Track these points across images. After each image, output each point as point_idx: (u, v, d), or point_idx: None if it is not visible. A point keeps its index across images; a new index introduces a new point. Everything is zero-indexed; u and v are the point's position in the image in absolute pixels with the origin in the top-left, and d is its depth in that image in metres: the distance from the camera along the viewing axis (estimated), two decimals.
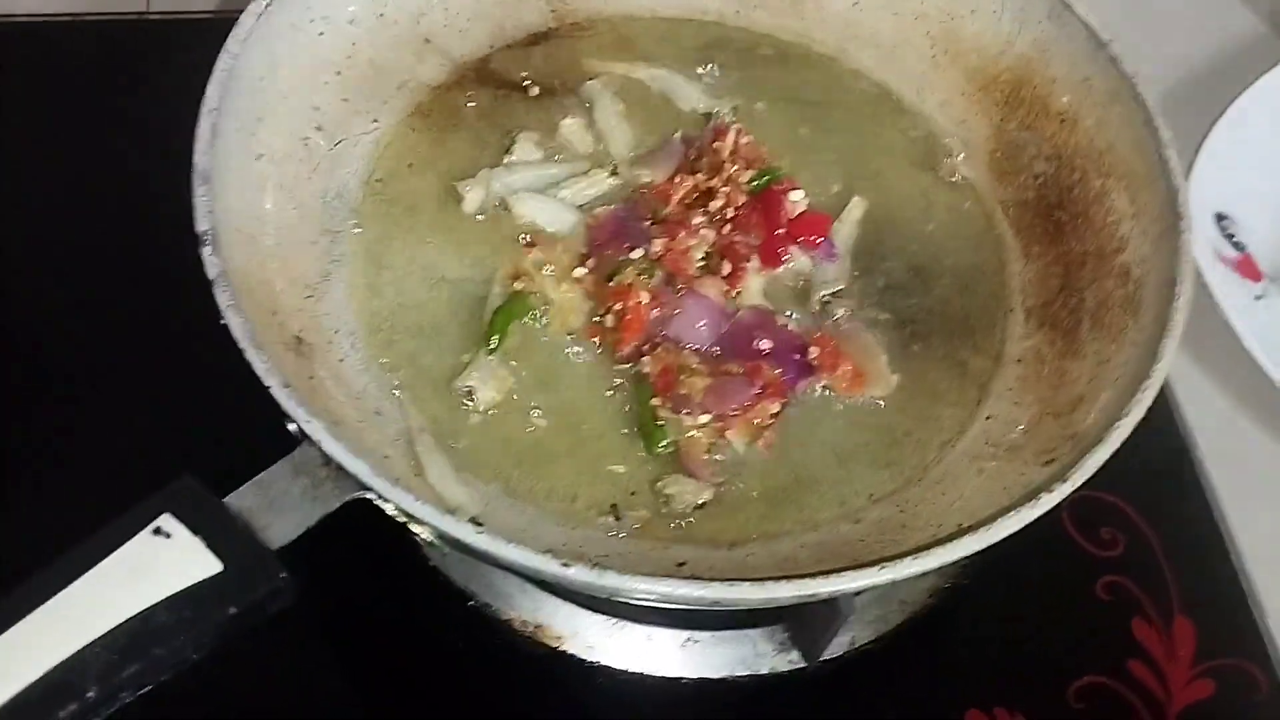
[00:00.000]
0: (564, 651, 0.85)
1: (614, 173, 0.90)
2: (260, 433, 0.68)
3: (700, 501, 0.76)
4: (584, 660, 0.85)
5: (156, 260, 0.80)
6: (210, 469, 0.65)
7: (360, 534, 0.69)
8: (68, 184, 1.00)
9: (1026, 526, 0.67)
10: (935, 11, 0.97)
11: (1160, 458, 0.98)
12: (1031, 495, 0.68)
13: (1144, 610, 0.91)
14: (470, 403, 0.79)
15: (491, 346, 0.80)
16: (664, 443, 0.78)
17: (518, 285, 0.83)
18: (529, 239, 0.86)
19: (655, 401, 0.79)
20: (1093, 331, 0.82)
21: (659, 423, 0.79)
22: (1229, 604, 0.92)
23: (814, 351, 0.82)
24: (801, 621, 0.86)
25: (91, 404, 0.86)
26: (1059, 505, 0.68)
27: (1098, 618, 0.91)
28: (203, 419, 0.84)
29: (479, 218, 0.87)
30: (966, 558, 0.66)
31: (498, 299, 0.83)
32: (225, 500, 0.63)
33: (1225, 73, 1.18)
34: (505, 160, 0.90)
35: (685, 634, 0.86)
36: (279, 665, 0.82)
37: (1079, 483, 0.69)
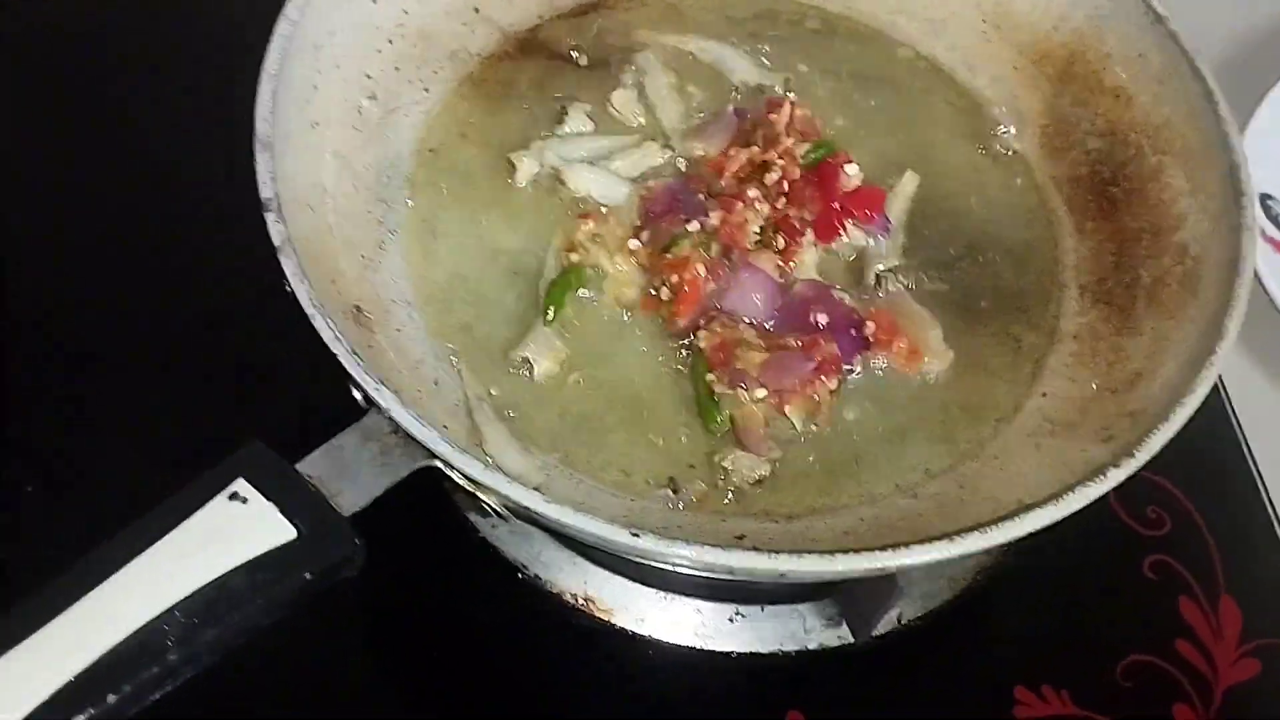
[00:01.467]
0: (614, 624, 0.85)
1: (667, 145, 0.89)
2: (322, 401, 0.68)
3: (758, 476, 0.76)
4: (633, 633, 0.85)
5: (222, 227, 0.80)
6: (278, 435, 0.65)
7: (412, 506, 0.69)
8: (115, 134, 0.99)
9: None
10: None
11: (1206, 438, 0.98)
12: (1095, 472, 0.68)
13: (1190, 590, 0.91)
14: (527, 373, 0.79)
15: (549, 318, 0.80)
16: (720, 418, 0.78)
17: (573, 257, 0.82)
18: (583, 210, 0.85)
19: (711, 376, 0.79)
20: (1149, 308, 0.82)
21: (715, 398, 0.78)
22: (1274, 584, 0.92)
23: (870, 326, 0.81)
24: (853, 597, 0.86)
25: (162, 371, 0.85)
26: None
27: (1144, 596, 0.91)
28: (269, 386, 0.83)
29: (531, 189, 0.87)
30: (1031, 534, 0.66)
31: (552, 271, 0.82)
32: (297, 466, 0.63)
33: (1270, 52, 1.18)
34: (557, 131, 0.89)
35: (733, 608, 0.86)
36: (335, 635, 0.82)
37: (1144, 460, 0.68)
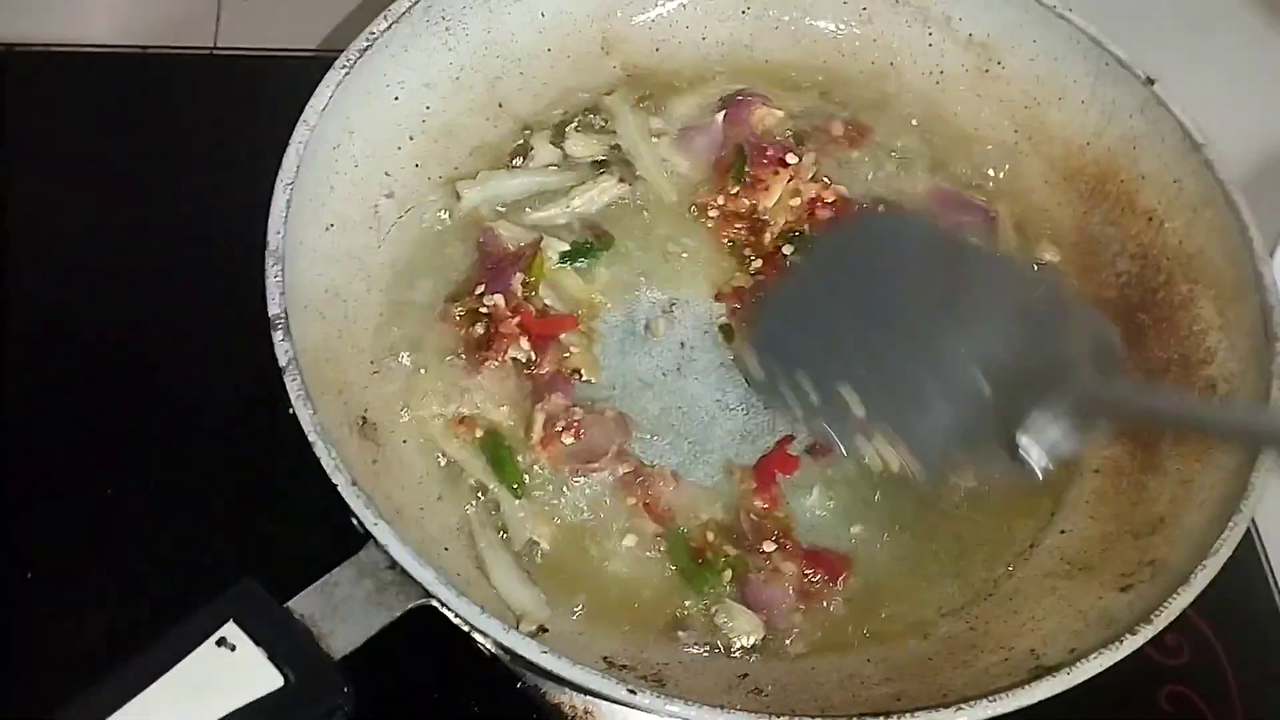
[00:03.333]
0: None
1: (622, 180, 0.89)
2: (323, 527, 0.67)
3: (751, 643, 0.74)
4: None
5: (218, 333, 0.78)
6: (274, 564, 0.64)
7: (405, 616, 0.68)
8: (121, 235, 0.96)
9: None
10: (1019, 95, 0.94)
11: (1231, 564, 0.95)
12: (1115, 635, 0.66)
13: None
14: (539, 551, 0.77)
15: (517, 490, 0.78)
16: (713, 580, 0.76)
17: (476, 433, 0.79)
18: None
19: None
20: (1175, 447, 0.79)
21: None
22: None
23: None
24: None
25: (151, 496, 0.83)
26: None
27: None
28: (266, 510, 0.81)
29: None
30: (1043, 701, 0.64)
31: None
32: (288, 605, 0.62)
33: None
34: (513, 164, 0.89)
35: None
36: None
37: (1163, 625, 0.66)
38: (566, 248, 0.85)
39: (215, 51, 1.13)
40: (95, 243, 0.96)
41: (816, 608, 0.76)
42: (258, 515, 0.80)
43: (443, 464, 0.78)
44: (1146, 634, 0.66)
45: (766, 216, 0.88)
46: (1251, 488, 0.71)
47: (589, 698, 0.84)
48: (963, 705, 0.63)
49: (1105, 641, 0.66)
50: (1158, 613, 0.66)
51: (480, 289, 0.82)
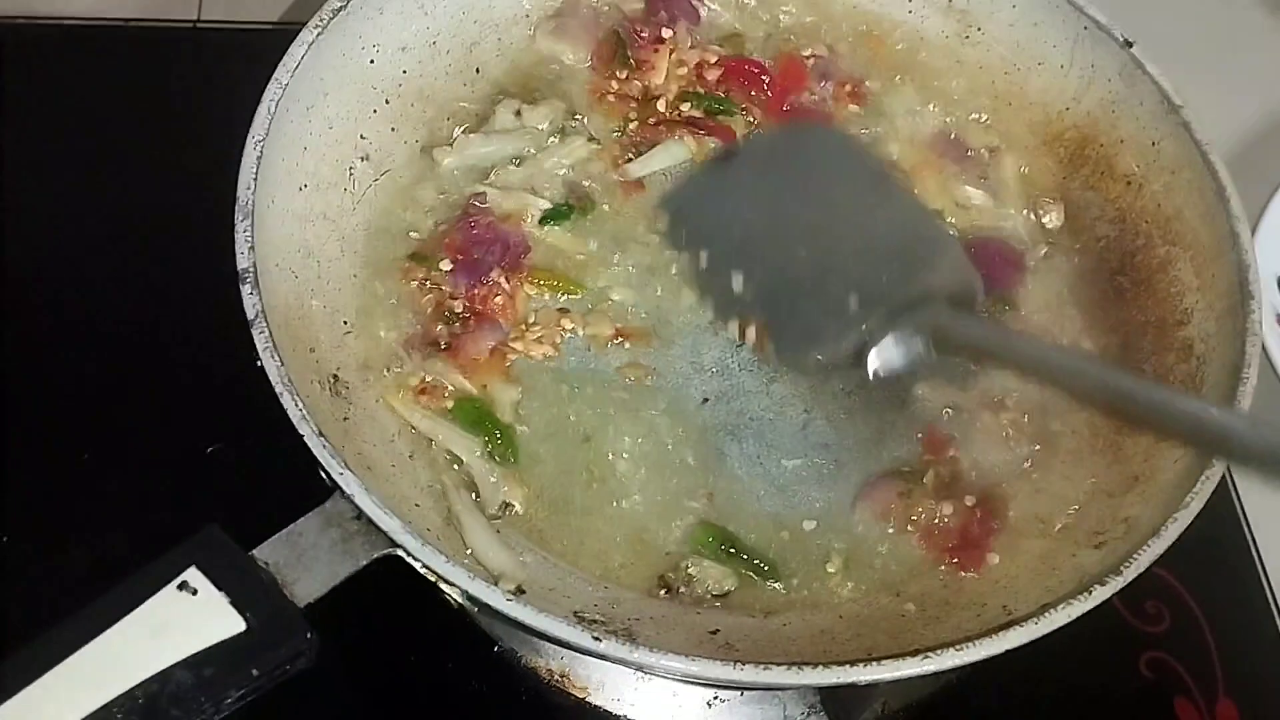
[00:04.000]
0: (589, 702, 0.84)
1: (592, 139, 0.89)
2: (292, 475, 0.66)
3: (724, 590, 0.74)
4: (609, 712, 0.84)
5: (192, 292, 0.79)
6: (239, 514, 0.64)
7: (382, 575, 0.67)
8: (103, 200, 0.98)
9: None
10: (999, 62, 0.94)
11: (1211, 532, 0.93)
12: (1083, 587, 0.66)
13: (1188, 690, 0.88)
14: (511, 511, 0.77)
15: (493, 454, 0.77)
16: None
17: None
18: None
19: None
20: None
21: None
22: (1276, 688, 0.89)
23: None
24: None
25: (118, 445, 0.84)
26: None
27: (1139, 695, 0.88)
28: (233, 461, 0.82)
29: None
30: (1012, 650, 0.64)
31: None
32: (253, 553, 0.62)
33: None
34: (483, 129, 0.89)
35: (712, 692, 0.84)
36: (305, 705, 0.80)
37: (1132, 577, 0.66)
38: (548, 207, 0.85)
39: (198, 25, 1.13)
40: (77, 208, 0.97)
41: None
42: (226, 468, 0.80)
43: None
44: (1116, 584, 0.66)
45: (659, 92, 0.91)
46: None
47: (565, 660, 0.84)
48: (929, 654, 0.63)
49: (1075, 594, 0.65)
50: (1127, 564, 0.66)
51: (447, 263, 0.82)
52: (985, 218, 0.90)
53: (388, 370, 0.79)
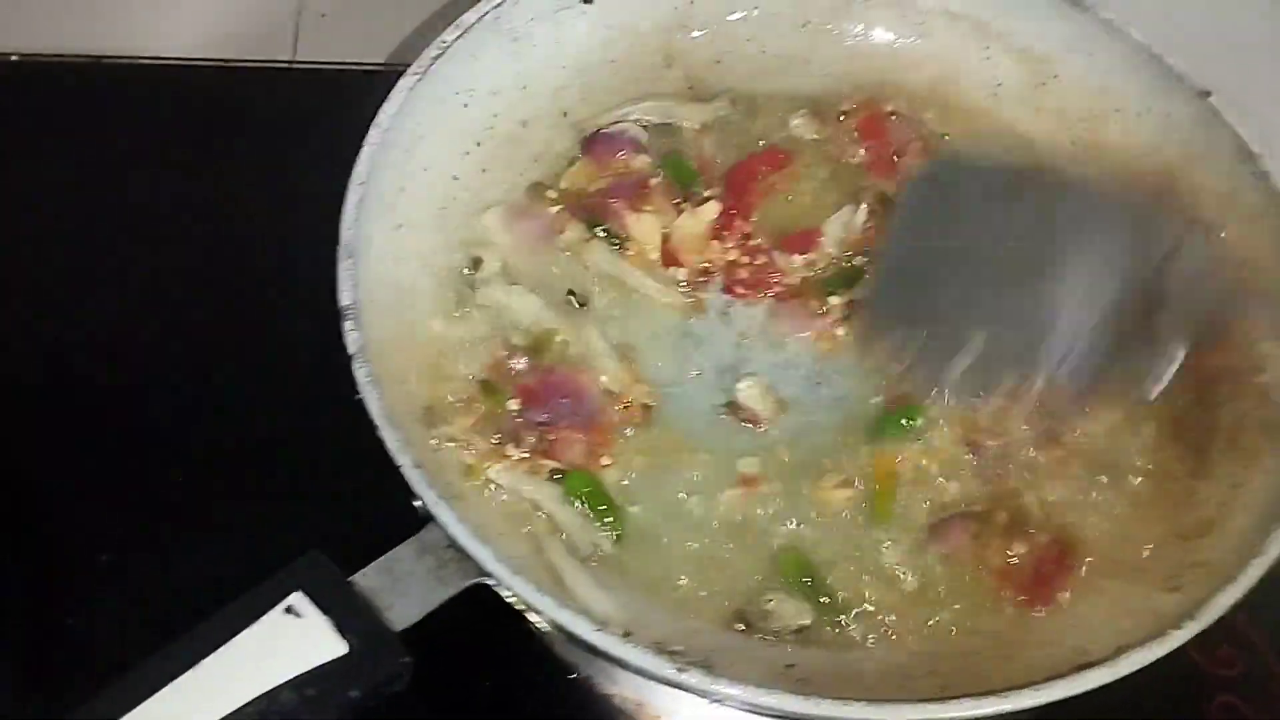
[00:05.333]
0: None
1: None
2: (386, 506, 0.69)
3: (800, 625, 0.76)
4: None
5: (291, 327, 0.82)
6: (338, 545, 0.67)
7: (461, 598, 0.70)
8: (199, 239, 1.01)
9: None
10: (1076, 109, 0.95)
11: None
12: (1158, 631, 0.67)
13: None
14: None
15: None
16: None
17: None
18: None
19: None
20: (1226, 453, 0.80)
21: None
22: None
23: None
24: None
25: (222, 473, 0.88)
26: None
27: None
28: (331, 491, 0.85)
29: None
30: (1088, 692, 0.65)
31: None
32: (352, 579, 0.65)
33: None
34: None
35: None
36: None
37: (1208, 622, 0.67)
38: None
39: (294, 65, 1.17)
40: (177, 245, 1.01)
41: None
42: (328, 500, 0.83)
43: None
44: (1192, 629, 0.66)
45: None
46: None
47: (640, 689, 0.86)
48: (1007, 693, 0.64)
49: (1153, 636, 0.66)
50: (1203, 608, 0.67)
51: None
52: None
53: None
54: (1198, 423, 0.83)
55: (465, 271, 0.86)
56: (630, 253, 0.89)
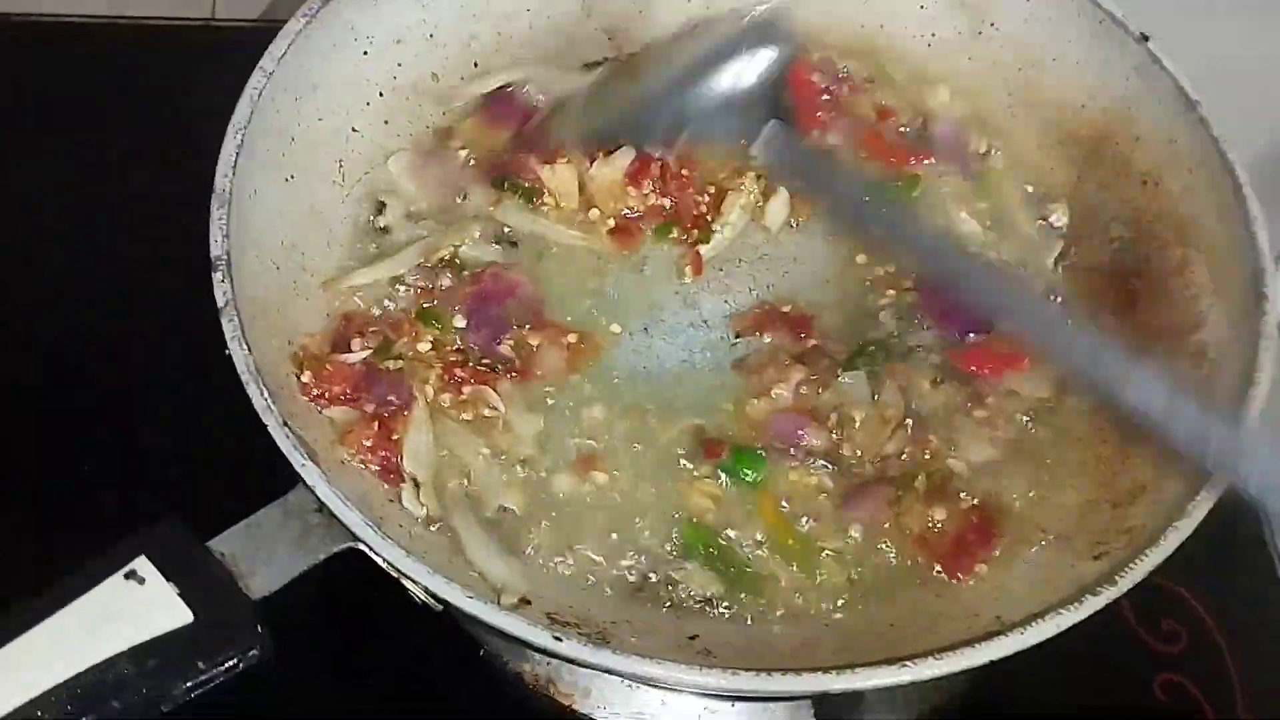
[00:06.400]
0: (574, 710, 0.82)
1: None
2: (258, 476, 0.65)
3: (707, 595, 0.72)
4: None
5: (172, 282, 0.77)
6: (203, 504, 0.63)
7: (367, 570, 0.66)
8: (88, 194, 0.98)
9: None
10: (1013, 58, 0.91)
11: (1234, 549, 0.91)
12: (1077, 595, 0.63)
13: (1204, 716, 0.85)
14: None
15: None
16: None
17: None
18: None
19: None
20: None
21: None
22: None
23: None
24: (829, 701, 0.81)
25: (80, 436, 0.84)
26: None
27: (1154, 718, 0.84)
28: (200, 453, 0.81)
29: None
30: (997, 660, 0.61)
31: None
32: (209, 544, 0.61)
33: None
34: None
35: (703, 703, 0.82)
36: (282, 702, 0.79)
37: (1128, 587, 0.63)
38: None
39: (212, 22, 1.13)
40: (71, 205, 0.97)
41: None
42: (189, 460, 0.79)
43: None
44: (1109, 594, 0.62)
45: None
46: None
47: (551, 666, 0.82)
48: (907, 663, 0.60)
49: (1066, 603, 0.62)
50: (1122, 573, 0.63)
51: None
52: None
53: None
54: None
55: (370, 219, 0.82)
56: (547, 205, 0.84)
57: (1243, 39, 1.04)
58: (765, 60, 0.82)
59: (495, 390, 0.76)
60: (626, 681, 0.82)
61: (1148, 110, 0.84)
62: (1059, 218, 0.87)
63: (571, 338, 0.79)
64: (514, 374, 0.77)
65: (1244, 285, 0.75)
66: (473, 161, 0.86)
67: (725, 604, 0.72)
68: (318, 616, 0.79)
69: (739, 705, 0.82)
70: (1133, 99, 0.85)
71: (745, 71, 0.82)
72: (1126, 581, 0.63)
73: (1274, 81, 1.06)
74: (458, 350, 0.78)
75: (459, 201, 0.84)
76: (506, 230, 0.83)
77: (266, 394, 0.64)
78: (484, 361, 0.77)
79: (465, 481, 0.74)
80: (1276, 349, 0.71)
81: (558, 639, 0.59)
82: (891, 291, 0.82)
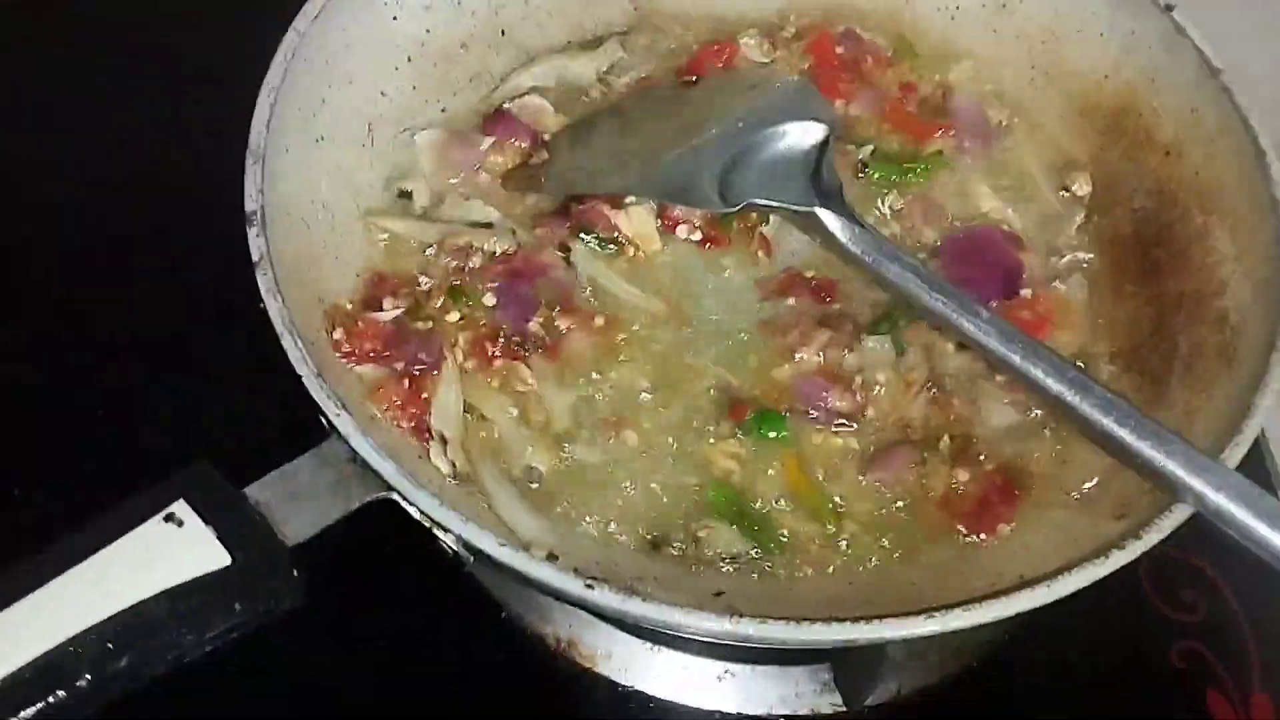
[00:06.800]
0: (597, 673, 0.82)
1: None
2: (290, 425, 0.66)
3: (733, 552, 0.72)
4: (617, 683, 0.82)
5: (208, 236, 0.78)
6: (238, 457, 0.63)
7: (392, 536, 0.67)
8: (119, 145, 0.99)
9: (1095, 584, 0.62)
10: (1037, 30, 0.91)
11: None
12: (1103, 549, 0.63)
13: (1220, 682, 0.85)
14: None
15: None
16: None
17: None
18: None
19: None
20: (1184, 380, 0.76)
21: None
22: None
23: None
24: (846, 664, 0.82)
25: (119, 382, 0.84)
26: (1132, 564, 0.63)
27: (1169, 686, 0.86)
28: (236, 403, 0.82)
29: None
30: (1023, 614, 0.61)
31: None
32: (245, 490, 0.61)
33: None
34: None
35: (723, 665, 0.83)
36: (304, 671, 0.79)
37: (1153, 542, 0.63)
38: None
39: None
40: (93, 150, 0.98)
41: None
42: (227, 408, 0.80)
43: None
44: (1134, 550, 0.63)
45: None
46: (1254, 409, 0.67)
47: (572, 628, 0.83)
48: (934, 614, 0.60)
49: (1091, 557, 0.63)
50: (1147, 529, 0.63)
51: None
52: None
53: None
54: (1156, 351, 0.80)
55: (397, 186, 0.83)
56: (629, 254, 0.83)
57: (1266, 7, 1.04)
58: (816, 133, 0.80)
59: (528, 366, 0.76)
60: (648, 644, 0.83)
61: (1171, 80, 0.84)
62: (1081, 187, 0.87)
63: (600, 320, 0.79)
64: (544, 349, 0.77)
65: (1266, 251, 0.75)
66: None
67: (750, 562, 0.72)
68: (342, 577, 0.79)
69: (758, 669, 0.83)
70: (1156, 69, 0.85)
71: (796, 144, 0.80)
72: (1152, 535, 0.63)
73: None
74: (485, 325, 0.78)
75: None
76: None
77: (301, 345, 0.64)
78: (514, 339, 0.77)
79: (494, 440, 0.75)
80: None
81: (589, 586, 0.60)
82: (921, 256, 0.83)
